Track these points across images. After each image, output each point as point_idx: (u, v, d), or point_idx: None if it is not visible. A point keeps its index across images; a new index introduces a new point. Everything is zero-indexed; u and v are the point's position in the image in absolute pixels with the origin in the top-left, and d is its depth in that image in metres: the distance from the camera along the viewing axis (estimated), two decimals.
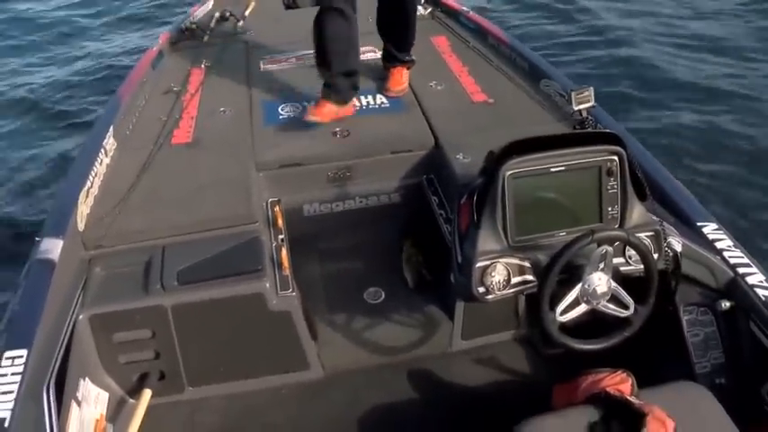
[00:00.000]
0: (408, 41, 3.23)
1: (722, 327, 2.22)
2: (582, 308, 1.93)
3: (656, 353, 2.25)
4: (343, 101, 2.95)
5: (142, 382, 2.35)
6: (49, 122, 5.08)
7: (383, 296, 2.67)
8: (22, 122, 5.10)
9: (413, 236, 2.85)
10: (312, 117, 2.88)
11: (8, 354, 1.88)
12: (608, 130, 2.13)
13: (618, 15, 6.84)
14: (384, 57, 3.31)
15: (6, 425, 1.68)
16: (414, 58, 3.27)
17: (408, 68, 3.27)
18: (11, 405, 1.74)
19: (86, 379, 2.19)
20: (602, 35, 6.39)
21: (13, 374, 1.82)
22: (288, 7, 4.06)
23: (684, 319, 2.24)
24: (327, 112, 2.91)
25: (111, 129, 2.88)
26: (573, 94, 2.28)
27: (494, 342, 2.57)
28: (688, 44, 6.21)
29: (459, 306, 2.46)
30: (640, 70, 5.74)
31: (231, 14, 4.00)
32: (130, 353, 2.33)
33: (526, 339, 2.59)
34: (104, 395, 2.27)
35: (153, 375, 2.36)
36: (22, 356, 1.87)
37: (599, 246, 1.88)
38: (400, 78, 3.24)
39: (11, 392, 1.77)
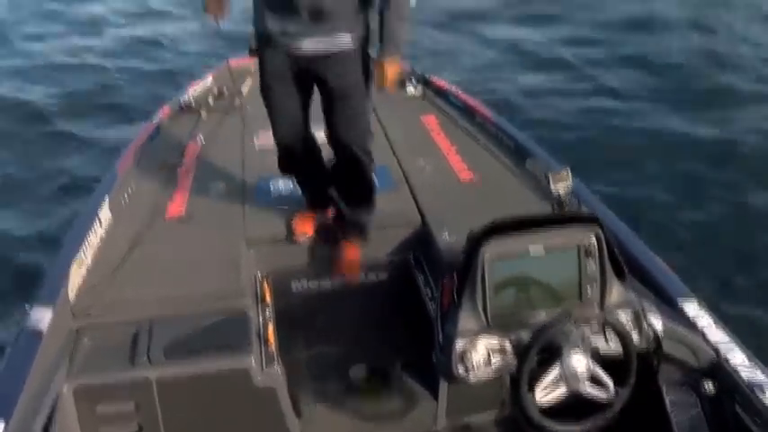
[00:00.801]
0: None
1: (707, 408, 2.21)
2: (561, 390, 1.95)
3: None
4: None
5: None
6: (45, 191, 5.15)
7: (367, 373, 2.67)
8: (20, 193, 5.17)
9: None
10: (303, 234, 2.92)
11: None
12: (585, 212, 2.20)
13: (609, 85, 7.04)
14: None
15: None
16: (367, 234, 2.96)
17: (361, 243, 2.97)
18: None
19: None
20: (588, 104, 6.57)
21: None
22: None
23: (668, 399, 2.23)
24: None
25: (107, 200, 2.95)
26: (551, 175, 2.35)
27: (478, 421, 2.56)
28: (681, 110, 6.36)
29: (444, 384, 2.46)
30: (623, 139, 5.88)
31: (229, 90, 4.11)
32: (113, 426, 2.31)
33: (511, 419, 2.58)
34: None
35: None
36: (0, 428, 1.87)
37: (577, 327, 1.91)
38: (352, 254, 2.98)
39: None
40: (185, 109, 4.01)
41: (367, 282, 2.96)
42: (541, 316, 2.04)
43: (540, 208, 2.86)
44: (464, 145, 3.53)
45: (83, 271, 2.58)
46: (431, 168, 3.28)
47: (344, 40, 2.48)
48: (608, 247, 2.11)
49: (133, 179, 3.24)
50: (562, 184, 2.30)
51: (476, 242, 2.00)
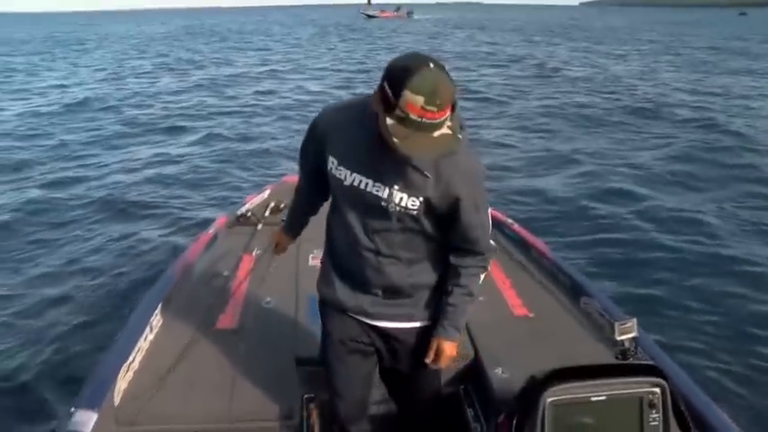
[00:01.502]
0: None
1: None
2: None
3: None
4: None
5: None
6: (95, 295, 5.21)
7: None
8: (71, 294, 5.25)
9: None
10: None
11: None
12: (650, 362, 2.13)
13: (663, 232, 6.93)
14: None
15: None
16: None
17: None
18: None
19: None
20: (648, 251, 6.44)
21: None
22: None
23: None
24: None
25: (160, 306, 2.97)
26: (616, 324, 2.31)
27: None
28: None
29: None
30: (686, 291, 5.69)
31: (285, 205, 4.20)
32: None
33: None
34: None
35: None
36: None
37: None
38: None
39: None
40: (242, 220, 4.10)
41: None
42: None
43: (595, 350, 2.79)
44: (519, 279, 3.51)
45: (130, 376, 2.56)
46: (485, 301, 3.25)
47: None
48: (672, 401, 2.05)
49: (187, 287, 3.27)
50: (628, 334, 2.26)
51: (538, 386, 1.96)
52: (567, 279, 3.44)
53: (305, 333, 2.93)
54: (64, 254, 6.03)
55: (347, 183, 1.98)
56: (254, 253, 3.66)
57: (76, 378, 3.60)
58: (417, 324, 2.17)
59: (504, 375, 2.63)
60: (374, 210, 1.98)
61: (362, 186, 1.97)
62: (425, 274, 2.11)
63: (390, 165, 1.89)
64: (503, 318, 3.13)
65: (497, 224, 4.13)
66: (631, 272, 5.79)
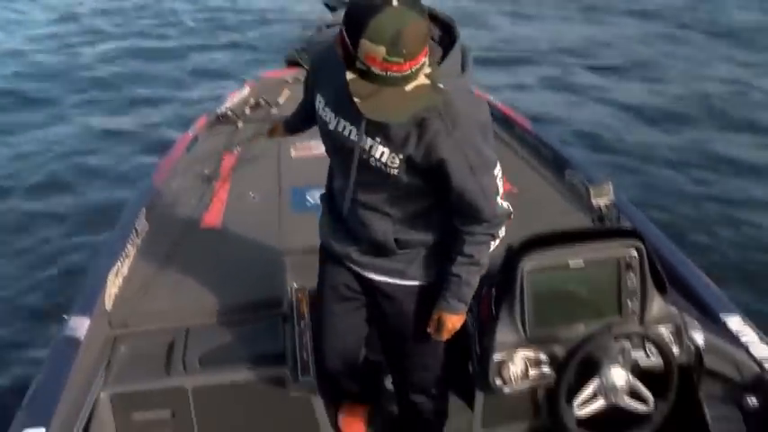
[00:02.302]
0: None
1: (750, 423, 2.17)
2: (600, 402, 1.92)
3: None
4: None
5: None
6: (78, 200, 5.24)
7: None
8: (53, 199, 5.27)
9: None
10: None
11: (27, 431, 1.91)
12: (626, 226, 2.16)
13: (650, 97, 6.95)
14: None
15: None
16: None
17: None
18: None
19: None
20: (628, 119, 6.50)
21: None
22: None
23: (709, 414, 2.19)
24: None
25: (144, 211, 2.99)
26: (591, 188, 2.32)
27: (514, 430, 2.54)
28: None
29: (479, 395, 2.44)
30: (666, 154, 5.80)
31: (266, 101, 4.15)
32: None
33: (546, 430, 2.55)
34: None
35: None
36: None
37: (617, 341, 1.88)
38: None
39: None
40: (222, 120, 4.06)
41: None
42: (580, 330, 2.03)
43: (579, 220, 2.83)
44: (503, 155, 3.49)
45: (119, 281, 2.61)
46: None
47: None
48: (649, 261, 2.09)
49: (170, 189, 3.28)
50: (603, 198, 2.28)
51: (515, 255, 2.00)
52: (550, 153, 3.44)
53: (290, 225, 2.96)
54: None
55: (331, 126, 1.79)
56: (235, 151, 3.64)
57: (68, 287, 3.71)
58: (411, 282, 1.96)
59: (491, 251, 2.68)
60: (361, 158, 1.76)
61: (346, 133, 1.76)
62: (417, 233, 1.89)
63: None
64: None
65: None
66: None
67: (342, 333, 2.20)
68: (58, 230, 4.84)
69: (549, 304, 2.05)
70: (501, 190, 1.83)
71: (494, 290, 2.06)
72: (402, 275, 1.95)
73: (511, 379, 1.97)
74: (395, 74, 1.44)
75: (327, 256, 2.11)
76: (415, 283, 1.96)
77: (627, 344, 1.90)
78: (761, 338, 2.27)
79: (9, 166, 5.85)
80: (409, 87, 1.47)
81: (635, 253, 2.08)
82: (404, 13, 1.40)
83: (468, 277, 1.87)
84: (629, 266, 2.08)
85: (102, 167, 5.78)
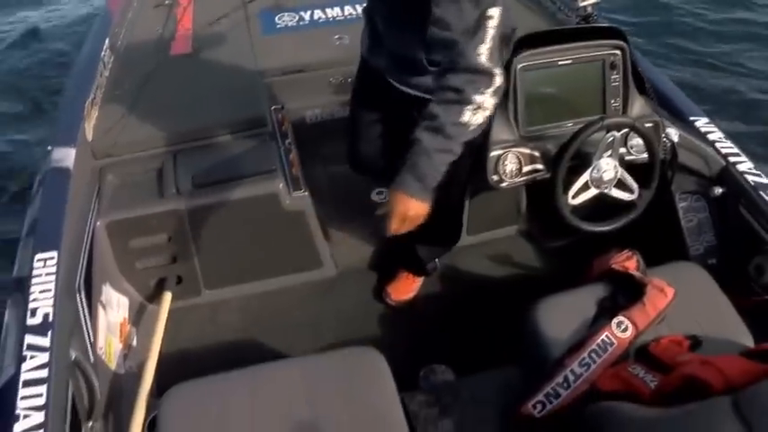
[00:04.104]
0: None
1: (714, 212, 2.36)
2: (591, 192, 2.05)
3: (654, 238, 2.37)
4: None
5: (160, 287, 2.43)
6: (30, 33, 5.02)
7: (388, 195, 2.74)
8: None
9: None
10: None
11: (39, 255, 1.92)
12: (612, 25, 2.21)
13: None
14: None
15: (50, 320, 1.74)
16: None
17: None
18: (51, 302, 1.79)
19: (107, 284, 2.26)
20: None
21: (47, 275, 1.87)
22: None
23: (680, 206, 2.37)
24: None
25: (107, 41, 2.86)
26: None
27: (498, 237, 2.69)
28: None
29: (466, 204, 2.56)
30: None
31: None
32: (147, 258, 2.39)
33: (527, 233, 2.71)
34: (124, 300, 2.35)
35: (170, 280, 2.43)
36: (53, 258, 1.92)
37: (608, 132, 1.98)
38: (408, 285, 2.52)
39: (49, 290, 1.83)
40: None
41: None
42: (568, 126, 2.13)
43: (557, 25, 2.84)
44: None
45: (96, 111, 2.54)
46: None
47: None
48: (631, 62, 2.17)
49: (129, 19, 3.13)
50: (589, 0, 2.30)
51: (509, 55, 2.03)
52: None
53: (263, 47, 2.90)
54: None
55: None
56: None
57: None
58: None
59: None
60: None
61: None
62: (423, 56, 1.77)
63: None
64: None
65: None
66: None
67: (371, 138, 2.19)
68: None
69: (540, 103, 2.13)
70: (490, 43, 1.56)
71: None
72: (428, 90, 1.78)
73: (506, 174, 2.08)
74: None
75: (364, 68, 2.08)
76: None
77: (616, 136, 2.00)
78: (725, 136, 2.41)
79: None
80: None
81: (619, 53, 2.16)
82: None
83: (429, 145, 1.59)
84: (612, 66, 2.16)
85: None
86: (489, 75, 1.57)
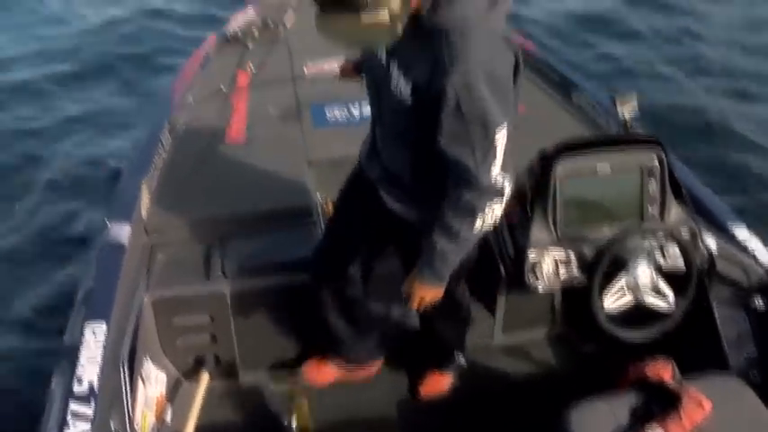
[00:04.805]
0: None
1: (755, 323, 2.32)
2: (627, 298, 2.07)
3: (691, 348, 2.34)
4: None
5: (198, 365, 2.49)
6: (101, 113, 5.28)
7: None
8: (75, 116, 5.29)
9: None
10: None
11: (89, 325, 2.02)
12: (650, 134, 2.27)
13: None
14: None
15: (95, 390, 1.82)
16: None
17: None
18: (97, 372, 1.88)
19: (149, 359, 2.33)
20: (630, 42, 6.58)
21: (95, 344, 1.96)
22: None
23: (718, 315, 2.35)
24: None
25: (167, 124, 3.03)
26: (617, 98, 2.43)
27: (532, 337, 2.70)
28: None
29: (501, 301, 2.58)
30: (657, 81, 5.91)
31: (272, 21, 4.13)
32: (188, 336, 2.47)
33: (562, 336, 2.71)
34: (163, 376, 2.41)
35: (209, 359, 2.50)
36: (102, 328, 2.01)
37: (645, 239, 2.02)
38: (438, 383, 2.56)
39: (95, 360, 1.91)
40: (232, 40, 4.04)
41: None
42: (605, 232, 2.16)
43: (592, 133, 2.93)
44: None
45: (152, 191, 2.68)
46: None
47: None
48: (669, 169, 2.22)
49: (189, 105, 3.30)
50: (628, 107, 2.38)
51: (549, 159, 2.11)
52: (556, 75, 3.51)
53: (313, 139, 3.03)
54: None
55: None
56: (248, 69, 3.65)
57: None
58: (418, 219, 1.92)
59: None
60: (383, 82, 1.72)
61: (378, 54, 1.74)
62: (432, 171, 1.76)
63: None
64: None
65: None
66: None
67: (343, 221, 2.24)
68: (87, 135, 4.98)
69: (578, 207, 2.19)
70: (500, 160, 1.63)
71: (528, 192, 2.17)
72: (410, 209, 1.92)
73: (543, 277, 2.11)
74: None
75: (358, 175, 2.13)
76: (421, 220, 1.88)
77: (653, 243, 2.03)
78: (766, 247, 2.41)
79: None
80: (366, 18, 1.43)
81: (656, 160, 2.21)
82: None
83: (444, 249, 1.76)
84: (650, 173, 2.21)
85: (122, 80, 5.82)
86: (501, 191, 1.68)
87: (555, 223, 2.15)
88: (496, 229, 2.41)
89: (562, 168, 2.12)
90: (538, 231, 2.13)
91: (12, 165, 4.63)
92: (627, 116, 2.40)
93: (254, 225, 2.58)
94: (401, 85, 1.65)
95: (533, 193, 2.16)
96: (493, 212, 1.70)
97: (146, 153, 2.84)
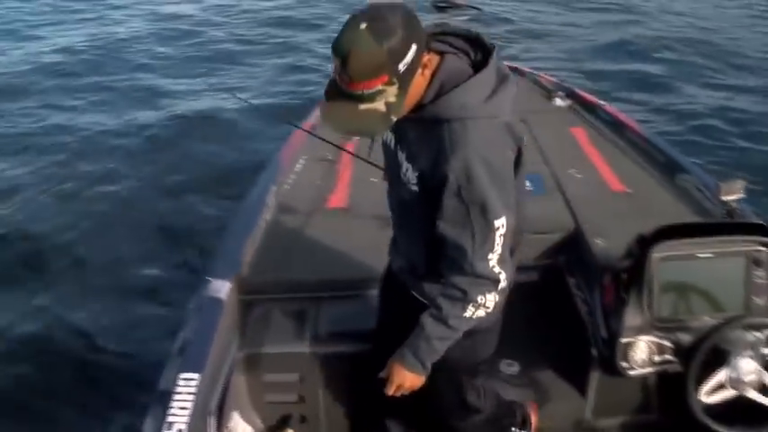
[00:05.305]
0: None
1: None
2: (728, 393, 1.97)
3: None
4: None
5: (284, 423, 2.53)
6: (210, 179, 5.61)
7: (519, 368, 2.73)
8: (188, 177, 5.68)
9: None
10: None
11: (183, 375, 2.10)
12: (757, 221, 2.20)
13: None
14: None
15: None
16: None
17: None
18: (186, 421, 1.95)
19: (237, 412, 2.41)
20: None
21: (187, 394, 2.04)
22: None
23: None
24: None
25: (273, 188, 3.18)
26: (722, 184, 2.37)
27: (625, 424, 2.58)
28: None
29: (593, 382, 2.51)
30: None
31: None
32: (277, 393, 2.53)
33: (656, 424, 2.59)
34: (249, 430, 2.47)
35: (295, 418, 2.54)
36: (195, 380, 2.09)
37: (749, 332, 1.93)
38: None
39: (186, 409, 1.99)
40: None
41: (518, 282, 3.02)
42: (705, 321, 2.08)
43: (696, 220, 2.85)
44: (614, 158, 3.54)
45: (253, 250, 2.80)
46: (583, 178, 3.31)
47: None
48: None
49: (296, 170, 3.46)
50: (734, 195, 2.32)
51: (647, 243, 2.07)
52: (662, 157, 3.46)
53: None
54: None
55: (385, 139, 1.81)
56: (354, 138, 3.80)
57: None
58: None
59: (605, 245, 2.73)
60: (394, 171, 1.76)
61: (390, 143, 1.78)
62: (430, 269, 1.80)
63: (406, 125, 1.62)
64: (601, 192, 3.20)
65: (590, 106, 4.13)
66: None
67: (386, 337, 2.05)
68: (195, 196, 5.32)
69: (676, 293, 2.12)
70: (498, 253, 1.63)
71: (624, 276, 2.14)
72: (429, 299, 1.82)
73: (636, 362, 2.05)
74: (347, 89, 1.47)
75: (389, 268, 2.13)
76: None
77: (759, 336, 1.94)
78: None
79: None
80: (363, 107, 1.48)
81: (764, 249, 2.12)
82: (359, 37, 1.41)
83: (431, 332, 1.73)
84: (757, 262, 2.12)
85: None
86: (495, 281, 1.66)
87: (650, 308, 2.09)
88: (590, 309, 2.38)
89: (659, 254, 2.07)
90: (632, 316, 2.08)
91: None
92: (732, 203, 2.33)
93: (349, 289, 2.64)
94: (409, 174, 1.68)
95: (629, 275, 2.12)
96: (485, 304, 1.68)
97: (251, 213, 2.98)
